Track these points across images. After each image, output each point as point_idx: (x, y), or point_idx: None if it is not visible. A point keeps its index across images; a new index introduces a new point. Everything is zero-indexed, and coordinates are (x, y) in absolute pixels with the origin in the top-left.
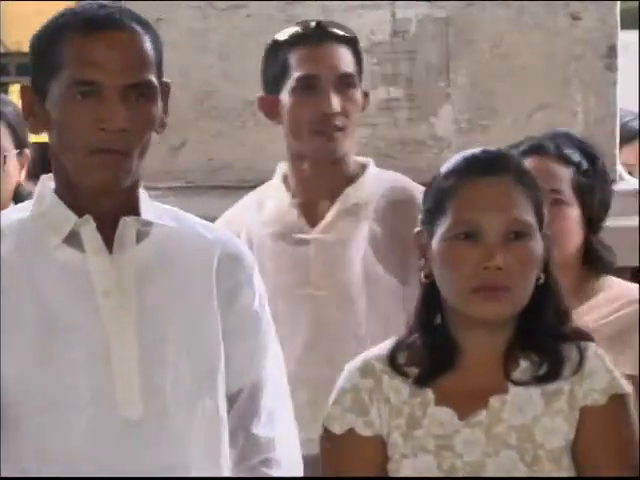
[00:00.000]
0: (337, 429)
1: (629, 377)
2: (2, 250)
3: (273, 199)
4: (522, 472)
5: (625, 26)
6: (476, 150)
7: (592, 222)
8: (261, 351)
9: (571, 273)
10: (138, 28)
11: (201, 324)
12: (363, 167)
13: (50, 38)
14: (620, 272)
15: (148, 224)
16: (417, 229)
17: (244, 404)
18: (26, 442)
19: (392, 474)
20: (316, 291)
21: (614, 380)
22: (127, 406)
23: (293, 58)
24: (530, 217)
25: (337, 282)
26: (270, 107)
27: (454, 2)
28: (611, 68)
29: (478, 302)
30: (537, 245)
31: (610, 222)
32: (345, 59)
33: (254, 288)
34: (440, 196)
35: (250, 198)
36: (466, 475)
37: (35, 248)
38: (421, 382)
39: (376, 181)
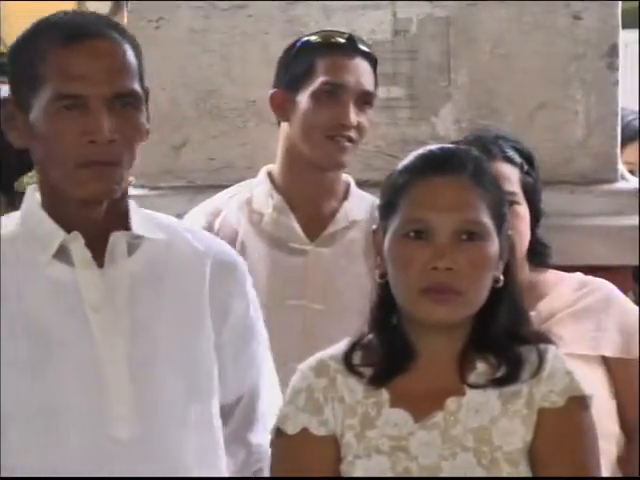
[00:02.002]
0: (290, 429)
1: (606, 359)
2: None
3: (264, 202)
4: (479, 475)
5: (625, 26)
6: (434, 146)
7: (537, 219)
8: (256, 361)
9: (523, 270)
10: (117, 36)
11: (193, 339)
12: (347, 183)
13: (29, 51)
14: (620, 272)
15: (139, 237)
16: (374, 227)
17: (241, 414)
18: (17, 458)
19: (344, 475)
20: (311, 303)
21: (573, 382)
22: (120, 424)
23: (323, 62)
24: (485, 217)
25: (333, 296)
26: (283, 104)
27: (455, 2)
28: (612, 68)
29: (426, 304)
30: (491, 246)
31: (610, 221)
32: (370, 78)
33: (247, 298)
34: (393, 193)
35: (235, 195)
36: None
37: (24, 264)
38: (376, 382)
39: (361, 198)
